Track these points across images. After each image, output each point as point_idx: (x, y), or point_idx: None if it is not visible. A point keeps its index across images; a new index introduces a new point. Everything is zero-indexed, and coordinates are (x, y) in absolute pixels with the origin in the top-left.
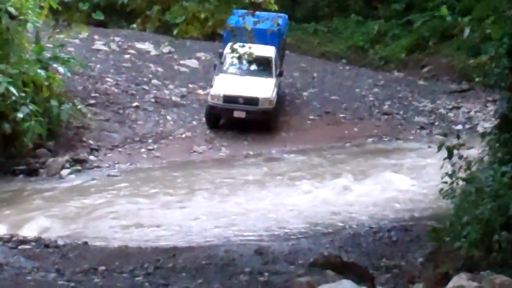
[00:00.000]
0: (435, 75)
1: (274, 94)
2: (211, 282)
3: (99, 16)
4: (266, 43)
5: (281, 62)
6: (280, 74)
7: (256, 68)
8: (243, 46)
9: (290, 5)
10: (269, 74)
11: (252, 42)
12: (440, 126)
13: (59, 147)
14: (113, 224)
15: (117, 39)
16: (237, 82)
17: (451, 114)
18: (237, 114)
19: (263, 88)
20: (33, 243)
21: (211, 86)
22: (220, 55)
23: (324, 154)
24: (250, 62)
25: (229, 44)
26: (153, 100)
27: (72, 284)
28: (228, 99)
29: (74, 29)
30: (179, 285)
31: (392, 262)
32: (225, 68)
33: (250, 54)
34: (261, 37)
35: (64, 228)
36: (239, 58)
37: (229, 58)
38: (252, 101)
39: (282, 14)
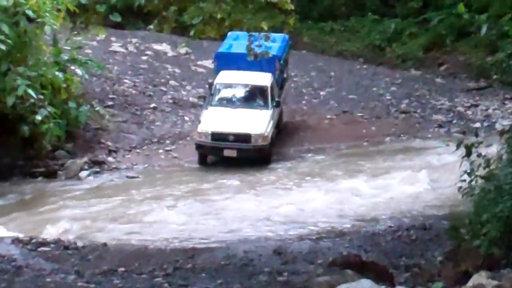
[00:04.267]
0: (453, 73)
1: (270, 128)
2: (231, 282)
3: (116, 17)
4: (262, 69)
5: (282, 88)
6: (277, 105)
7: (250, 99)
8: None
9: (307, 4)
10: (264, 105)
11: (246, 69)
12: (458, 124)
13: (77, 149)
14: (132, 226)
15: (134, 40)
16: (227, 116)
17: (469, 112)
18: (227, 153)
19: (256, 123)
20: (52, 245)
21: (199, 122)
22: (210, 85)
23: (342, 153)
24: (243, 93)
25: (221, 72)
26: (170, 101)
27: (92, 285)
28: (217, 136)
29: (91, 31)
30: (199, 285)
31: (412, 261)
32: (215, 100)
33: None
34: (255, 62)
35: (83, 229)
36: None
37: (220, 88)
38: (243, 138)
39: (282, 35)
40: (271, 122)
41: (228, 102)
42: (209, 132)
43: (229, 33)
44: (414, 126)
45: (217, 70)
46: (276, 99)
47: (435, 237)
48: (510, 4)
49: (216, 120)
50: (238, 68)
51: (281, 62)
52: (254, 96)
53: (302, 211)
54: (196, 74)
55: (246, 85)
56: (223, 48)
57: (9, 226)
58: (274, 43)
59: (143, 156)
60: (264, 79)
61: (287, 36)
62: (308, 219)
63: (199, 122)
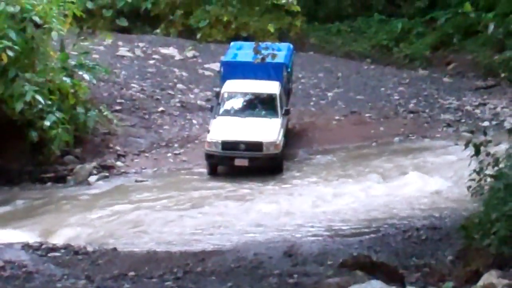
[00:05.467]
0: (460, 72)
1: (281, 136)
2: (241, 285)
3: (122, 22)
4: (269, 78)
5: (288, 98)
6: (286, 113)
7: (258, 107)
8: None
9: (313, 6)
10: (274, 114)
11: (253, 77)
12: (467, 123)
13: (86, 154)
14: (141, 230)
15: (141, 44)
16: (237, 125)
17: (477, 111)
18: (238, 162)
19: (267, 131)
20: (62, 250)
21: (208, 132)
22: (217, 94)
23: (350, 154)
24: (251, 101)
25: (227, 81)
26: (178, 104)
27: None
28: (227, 145)
29: (99, 36)
30: None
31: (422, 261)
32: (223, 109)
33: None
34: (263, 71)
35: (93, 234)
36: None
37: (228, 97)
38: (255, 146)
39: (287, 44)
40: (282, 130)
41: (237, 111)
42: (219, 141)
43: (232, 43)
44: (423, 125)
45: (222, 79)
46: (285, 107)
47: (445, 237)
48: None
49: (226, 129)
50: (245, 77)
51: (288, 70)
52: (263, 105)
53: (312, 213)
54: (203, 77)
55: (254, 94)
56: (228, 57)
57: (19, 232)
58: (280, 51)
59: (152, 160)
60: (272, 87)
61: (291, 45)
62: (317, 221)
63: (208, 132)
